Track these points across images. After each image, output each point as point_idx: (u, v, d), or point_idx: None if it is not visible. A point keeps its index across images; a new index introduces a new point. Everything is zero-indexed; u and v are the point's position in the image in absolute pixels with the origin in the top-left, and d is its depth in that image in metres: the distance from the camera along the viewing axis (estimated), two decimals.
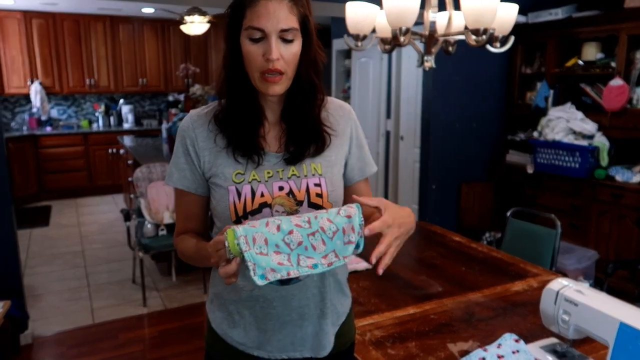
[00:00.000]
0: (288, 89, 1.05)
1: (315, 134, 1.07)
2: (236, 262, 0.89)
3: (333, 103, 1.15)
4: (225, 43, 1.04)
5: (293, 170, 1.05)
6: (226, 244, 0.87)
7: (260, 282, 0.88)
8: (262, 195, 1.02)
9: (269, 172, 1.04)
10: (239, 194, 1.01)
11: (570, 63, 3.96)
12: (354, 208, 0.94)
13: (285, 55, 0.98)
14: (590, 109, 3.81)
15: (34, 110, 6.39)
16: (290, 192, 1.03)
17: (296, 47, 1.00)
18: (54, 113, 6.70)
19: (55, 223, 5.45)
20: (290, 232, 0.89)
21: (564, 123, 3.82)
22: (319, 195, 1.05)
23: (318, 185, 1.05)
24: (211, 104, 1.11)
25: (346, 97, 6.27)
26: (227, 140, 1.05)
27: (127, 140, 5.65)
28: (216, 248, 0.90)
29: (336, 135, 1.11)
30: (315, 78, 1.06)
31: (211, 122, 1.07)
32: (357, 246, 0.94)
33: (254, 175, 1.03)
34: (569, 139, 3.78)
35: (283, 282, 1.04)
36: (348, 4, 1.77)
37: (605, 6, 3.68)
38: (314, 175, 1.05)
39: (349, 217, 0.92)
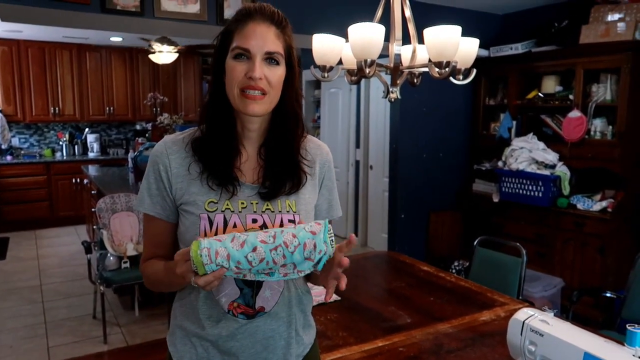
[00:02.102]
0: (271, 121, 1.07)
1: (293, 172, 1.07)
2: (219, 272, 0.89)
3: (312, 142, 1.16)
4: (212, 70, 1.05)
5: (267, 205, 1.04)
6: (190, 253, 0.88)
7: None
8: (235, 226, 1.00)
9: (242, 203, 1.02)
10: (210, 223, 1.00)
11: (531, 95, 4.11)
12: (320, 224, 0.95)
13: (269, 76, 0.99)
14: (551, 140, 3.94)
15: None
16: (264, 226, 1.02)
17: (280, 70, 1.01)
18: (16, 142, 6.50)
19: (13, 256, 5.21)
20: (254, 249, 0.90)
21: (527, 153, 3.93)
22: None
23: (292, 221, 1.04)
24: (187, 130, 1.10)
25: (316, 127, 6.33)
26: (202, 167, 1.03)
27: (92, 170, 5.51)
28: (184, 258, 0.91)
29: (311, 175, 1.11)
30: (299, 111, 1.08)
31: (187, 147, 1.05)
32: (317, 263, 0.95)
33: (227, 205, 1.01)
34: (532, 169, 3.88)
35: (249, 317, 1.03)
36: (314, 36, 1.78)
37: (562, 42, 3.86)
38: (288, 212, 1.05)
39: (313, 233, 0.93)
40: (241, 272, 0.91)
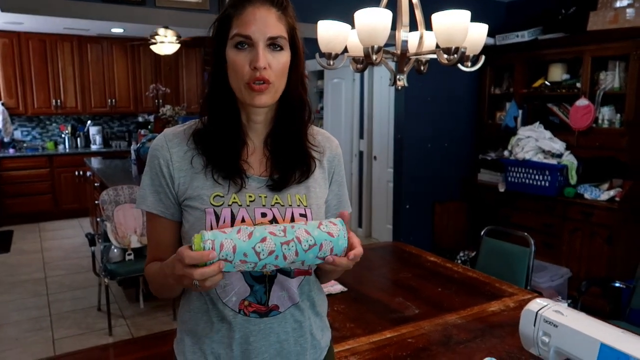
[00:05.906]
0: (277, 109, 1.02)
1: (302, 159, 1.02)
2: (219, 266, 0.82)
3: (321, 134, 1.11)
4: (211, 58, 0.99)
5: (277, 199, 0.98)
6: (192, 248, 0.82)
7: None
8: (243, 220, 0.94)
9: (250, 196, 0.97)
10: (217, 218, 0.94)
11: (537, 84, 4.06)
12: (337, 225, 0.90)
13: (273, 64, 0.94)
14: (558, 129, 3.89)
15: None
16: (274, 220, 0.96)
17: (285, 57, 0.96)
18: (18, 134, 6.48)
19: (17, 249, 5.21)
20: (263, 240, 0.84)
21: (533, 142, 3.89)
22: None
23: (304, 215, 0.99)
24: (187, 122, 1.05)
25: (319, 118, 6.28)
26: (206, 160, 0.98)
27: (95, 162, 5.48)
28: (178, 257, 0.83)
29: (321, 166, 1.07)
30: (305, 95, 1.03)
31: (189, 140, 1.00)
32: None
33: (234, 199, 0.96)
34: (539, 158, 3.84)
35: (262, 315, 0.98)
36: (320, 23, 1.75)
37: (570, 29, 3.79)
38: (299, 205, 0.99)
39: (330, 234, 0.88)
40: (246, 264, 0.84)
